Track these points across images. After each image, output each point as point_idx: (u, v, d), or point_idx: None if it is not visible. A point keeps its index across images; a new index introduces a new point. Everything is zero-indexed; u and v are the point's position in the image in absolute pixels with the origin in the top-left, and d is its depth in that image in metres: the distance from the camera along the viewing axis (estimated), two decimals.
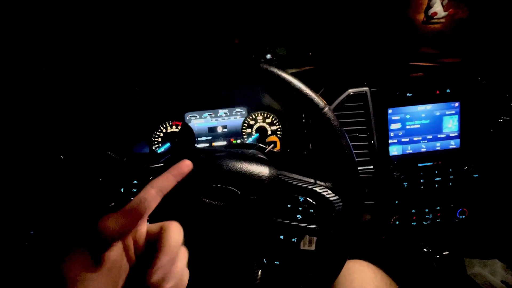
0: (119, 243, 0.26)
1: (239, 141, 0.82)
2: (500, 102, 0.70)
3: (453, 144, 0.70)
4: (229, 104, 0.81)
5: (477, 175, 0.69)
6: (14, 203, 0.49)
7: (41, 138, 0.56)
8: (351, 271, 0.55)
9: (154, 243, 0.27)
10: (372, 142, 0.66)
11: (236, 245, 0.42)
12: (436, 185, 0.68)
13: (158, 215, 0.41)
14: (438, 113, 0.69)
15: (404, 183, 0.67)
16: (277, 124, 0.81)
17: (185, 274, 0.29)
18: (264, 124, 0.81)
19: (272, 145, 0.80)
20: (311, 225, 0.41)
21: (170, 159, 0.44)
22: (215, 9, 0.68)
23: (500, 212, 0.74)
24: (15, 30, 0.55)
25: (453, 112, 0.70)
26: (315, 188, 0.41)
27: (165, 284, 0.25)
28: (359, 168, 0.43)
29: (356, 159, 0.42)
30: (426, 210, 0.69)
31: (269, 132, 0.82)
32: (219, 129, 0.81)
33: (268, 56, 0.74)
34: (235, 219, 0.40)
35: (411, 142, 0.69)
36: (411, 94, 0.68)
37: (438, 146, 0.70)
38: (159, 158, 0.44)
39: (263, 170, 0.41)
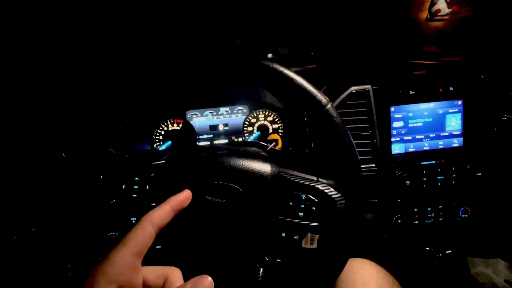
0: None
1: (240, 139, 0.81)
2: (503, 100, 0.69)
3: (456, 142, 0.70)
4: (230, 102, 0.81)
5: (480, 174, 0.69)
6: (15, 202, 0.49)
7: (42, 137, 0.56)
8: (354, 270, 0.55)
9: None
10: (374, 140, 0.66)
11: (238, 243, 0.41)
12: (439, 184, 0.68)
13: None
14: (441, 111, 0.69)
15: (407, 182, 0.67)
16: (278, 122, 0.81)
17: None
18: (266, 122, 0.81)
19: (274, 143, 0.79)
20: (313, 222, 0.40)
21: (172, 157, 0.44)
22: (217, 9, 0.68)
23: (503, 211, 0.73)
24: (15, 30, 0.55)
25: (456, 110, 0.69)
26: (317, 186, 0.41)
27: None
28: (361, 166, 0.43)
29: (359, 157, 0.41)
30: (429, 209, 0.69)
31: (271, 130, 0.81)
32: (221, 127, 0.81)
33: (270, 55, 0.74)
34: (237, 216, 0.40)
35: (414, 140, 0.69)
36: (413, 92, 0.67)
37: (440, 145, 0.70)
38: (160, 155, 0.44)
39: (265, 168, 0.41)
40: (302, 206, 0.41)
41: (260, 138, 0.81)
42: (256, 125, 0.81)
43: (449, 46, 0.73)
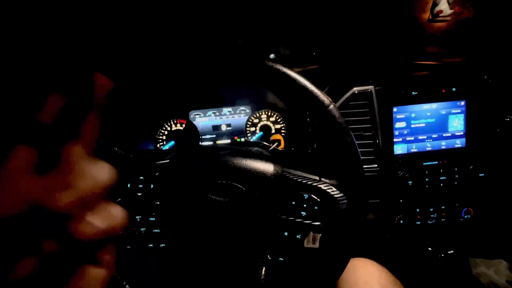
0: None
1: (243, 139, 0.82)
2: (506, 101, 0.69)
3: (459, 143, 0.70)
4: (233, 102, 0.81)
5: (482, 175, 0.69)
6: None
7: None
8: (356, 269, 0.55)
9: None
10: (377, 140, 0.66)
11: (241, 242, 0.42)
12: (441, 184, 0.68)
13: (165, 212, 0.42)
14: (443, 112, 0.69)
15: (409, 182, 0.67)
16: (281, 122, 0.82)
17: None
18: (268, 123, 0.82)
19: (276, 143, 0.80)
20: (315, 222, 0.41)
21: (176, 156, 0.44)
22: (219, 9, 0.68)
23: (505, 212, 0.73)
24: (17, 28, 0.55)
25: (459, 111, 0.69)
26: (320, 185, 0.41)
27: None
28: (363, 166, 0.43)
29: (361, 157, 0.42)
30: (431, 209, 0.69)
31: (273, 131, 0.82)
32: (223, 127, 0.81)
33: (272, 55, 0.75)
34: (240, 215, 0.41)
35: (416, 141, 0.69)
36: (416, 93, 0.67)
37: (443, 145, 0.70)
38: (164, 155, 0.44)
39: (268, 167, 0.41)
40: (305, 205, 0.41)
41: (262, 138, 0.81)
42: (259, 125, 0.82)
43: (451, 47, 0.73)
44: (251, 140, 0.81)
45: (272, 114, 0.81)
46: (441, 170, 0.68)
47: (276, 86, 0.42)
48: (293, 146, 0.80)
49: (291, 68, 0.41)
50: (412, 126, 0.69)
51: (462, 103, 0.69)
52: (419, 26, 0.70)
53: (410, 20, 0.71)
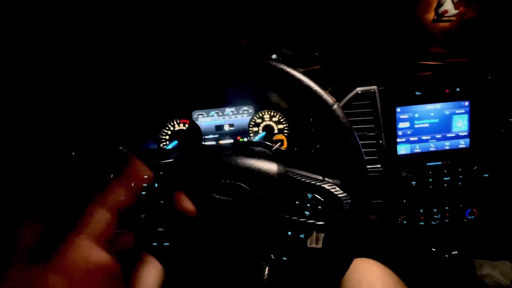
0: None
1: (245, 139, 0.82)
2: (510, 101, 0.69)
3: (463, 143, 0.70)
4: (236, 102, 0.82)
5: (486, 175, 0.68)
6: (17, 202, 0.50)
7: (52, 137, 0.57)
8: (359, 269, 0.55)
9: None
10: (380, 141, 0.66)
11: (244, 241, 0.42)
12: (445, 185, 0.67)
13: (169, 211, 0.42)
14: (447, 112, 0.68)
15: (412, 182, 0.66)
16: (284, 122, 0.82)
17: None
18: (271, 123, 0.82)
19: (279, 143, 0.80)
20: (319, 221, 0.41)
21: (180, 156, 0.44)
22: (222, 10, 0.69)
23: (509, 213, 0.73)
24: (18, 29, 0.56)
25: (463, 111, 0.69)
26: (323, 185, 0.41)
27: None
28: (367, 166, 0.43)
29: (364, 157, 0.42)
30: (435, 210, 0.69)
31: (276, 131, 0.82)
32: (226, 127, 0.82)
33: (274, 56, 0.75)
34: (244, 214, 0.41)
35: (420, 141, 0.69)
36: (420, 93, 0.67)
37: (447, 146, 0.69)
38: (168, 154, 0.45)
39: (271, 167, 0.41)
40: (308, 205, 0.41)
41: (265, 138, 0.81)
42: (262, 125, 0.82)
43: (456, 47, 0.73)
44: (254, 140, 0.82)
45: (275, 114, 0.81)
46: (445, 171, 0.67)
47: (279, 86, 0.42)
48: (296, 146, 0.80)
49: (294, 69, 0.41)
50: (416, 126, 0.68)
51: (466, 103, 0.68)
52: (424, 26, 0.70)
53: (414, 20, 0.71)
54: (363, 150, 0.42)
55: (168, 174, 0.42)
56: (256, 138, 0.82)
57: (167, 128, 0.79)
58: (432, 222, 0.69)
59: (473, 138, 0.69)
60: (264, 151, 0.49)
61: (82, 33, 0.63)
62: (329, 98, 0.40)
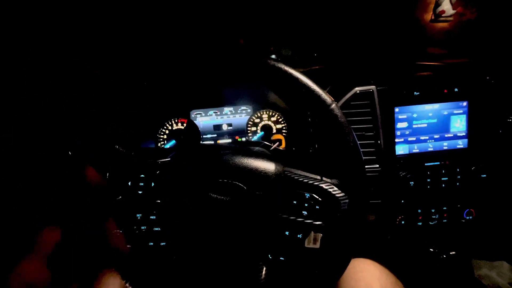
0: None
1: (244, 139, 0.82)
2: (508, 102, 0.69)
3: (461, 144, 0.70)
4: (234, 102, 0.81)
5: (484, 176, 0.68)
6: (18, 202, 0.50)
7: (49, 135, 0.57)
8: (357, 270, 0.55)
9: None
10: (378, 141, 0.66)
11: (241, 240, 0.42)
12: (443, 185, 0.67)
13: (165, 210, 0.42)
14: (445, 113, 0.69)
15: (410, 183, 0.66)
16: (282, 122, 0.81)
17: None
18: (269, 123, 0.81)
19: (277, 143, 0.80)
20: (316, 221, 0.41)
21: (177, 155, 0.44)
22: (221, 10, 0.69)
23: (507, 214, 0.73)
24: (22, 28, 0.56)
25: (461, 111, 0.69)
26: (321, 185, 0.41)
27: None
28: (365, 166, 0.43)
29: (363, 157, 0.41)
30: (433, 210, 0.69)
31: (274, 131, 0.82)
32: (224, 127, 0.81)
33: (273, 56, 0.75)
34: (241, 214, 0.40)
35: (418, 141, 0.69)
36: (418, 93, 0.67)
37: (445, 146, 0.69)
38: (166, 153, 0.44)
39: (269, 166, 0.41)
40: (306, 204, 0.41)
41: (263, 138, 0.81)
42: (260, 125, 0.81)
43: (454, 48, 0.73)
44: (252, 139, 0.81)
45: (273, 114, 0.81)
46: (443, 171, 0.67)
47: (278, 85, 0.42)
48: (294, 146, 0.80)
49: (293, 68, 0.41)
50: (414, 126, 0.68)
51: (465, 103, 0.69)
52: (422, 26, 0.70)
53: (412, 20, 0.70)
54: (361, 150, 0.42)
55: (165, 173, 0.42)
56: (255, 138, 0.81)
57: (165, 127, 0.79)
58: (430, 223, 0.69)
59: (471, 139, 0.69)
60: (262, 150, 0.49)
61: (82, 33, 0.63)
62: (327, 98, 0.40)
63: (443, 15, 0.64)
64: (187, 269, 0.43)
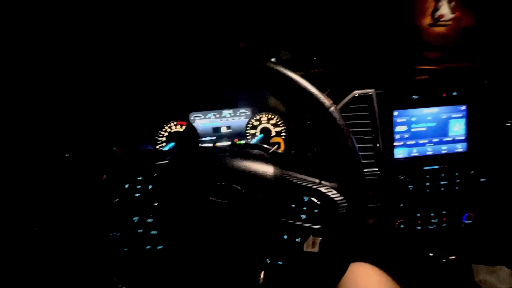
0: None
1: (243, 141, 0.82)
2: (507, 105, 0.69)
3: (460, 147, 0.70)
4: (233, 104, 0.81)
5: (484, 179, 0.68)
6: (17, 202, 0.50)
7: (46, 137, 0.56)
8: (356, 274, 0.54)
9: None
10: (377, 144, 0.66)
11: (239, 244, 0.41)
12: (442, 189, 0.67)
13: (163, 213, 0.41)
14: (444, 116, 0.69)
15: (409, 186, 0.66)
16: (281, 125, 0.81)
17: None
18: (268, 125, 0.81)
19: (276, 146, 0.79)
20: (315, 225, 0.40)
21: (175, 157, 0.44)
22: (222, 13, 0.69)
23: (507, 218, 0.72)
24: (22, 28, 0.56)
25: (460, 115, 0.69)
26: (320, 188, 0.41)
27: None
28: (364, 170, 0.43)
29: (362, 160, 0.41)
30: (432, 214, 0.68)
31: (273, 133, 0.81)
32: (223, 130, 0.81)
33: (273, 59, 0.75)
34: (239, 217, 0.40)
35: (417, 145, 0.69)
36: (417, 97, 0.67)
37: (444, 150, 0.69)
38: (164, 155, 0.44)
39: (268, 169, 0.41)
40: (305, 208, 0.40)
41: (262, 140, 0.81)
42: (259, 128, 0.81)
43: (452, 51, 0.74)
44: (251, 142, 0.81)
45: (273, 116, 0.81)
46: (442, 175, 0.67)
47: (277, 87, 0.42)
48: (293, 149, 0.80)
49: (292, 71, 0.40)
50: (413, 130, 0.68)
51: (463, 107, 0.69)
52: (420, 30, 0.71)
53: (411, 24, 0.71)
54: (360, 153, 0.41)
55: (163, 175, 0.42)
56: (253, 141, 0.81)
57: (163, 129, 0.78)
58: (429, 227, 0.68)
59: (470, 142, 0.69)
60: (261, 153, 0.49)
61: (82, 33, 0.63)
62: (326, 100, 0.40)
63: (441, 19, 0.64)
64: (184, 273, 0.43)
